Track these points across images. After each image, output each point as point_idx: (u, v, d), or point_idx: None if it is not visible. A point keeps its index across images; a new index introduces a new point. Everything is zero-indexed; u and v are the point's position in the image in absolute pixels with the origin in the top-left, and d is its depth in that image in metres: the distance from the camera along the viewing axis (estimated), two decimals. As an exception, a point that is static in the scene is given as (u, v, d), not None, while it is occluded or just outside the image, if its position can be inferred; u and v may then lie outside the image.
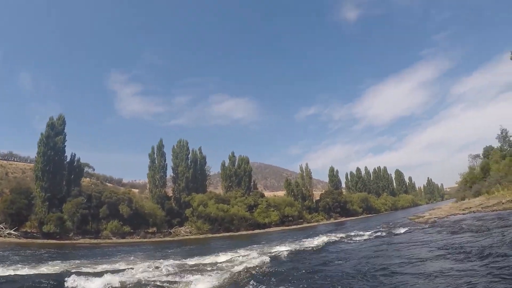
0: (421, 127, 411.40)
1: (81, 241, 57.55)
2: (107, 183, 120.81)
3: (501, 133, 48.62)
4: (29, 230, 58.74)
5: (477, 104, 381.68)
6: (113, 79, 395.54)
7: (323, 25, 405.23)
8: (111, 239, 60.83)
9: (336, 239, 29.49)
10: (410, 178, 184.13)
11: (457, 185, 70.33)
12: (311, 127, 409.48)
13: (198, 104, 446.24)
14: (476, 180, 52.27)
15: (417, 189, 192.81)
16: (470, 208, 32.82)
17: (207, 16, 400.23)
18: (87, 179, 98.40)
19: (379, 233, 31.41)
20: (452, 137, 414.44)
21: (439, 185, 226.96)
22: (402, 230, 30.59)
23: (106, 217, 63.61)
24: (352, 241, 27.35)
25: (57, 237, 56.58)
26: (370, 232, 31.63)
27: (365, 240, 27.92)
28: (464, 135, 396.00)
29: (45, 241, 54.08)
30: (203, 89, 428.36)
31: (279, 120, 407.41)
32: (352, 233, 31.39)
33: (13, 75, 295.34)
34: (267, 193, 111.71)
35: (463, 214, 30.77)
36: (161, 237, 65.59)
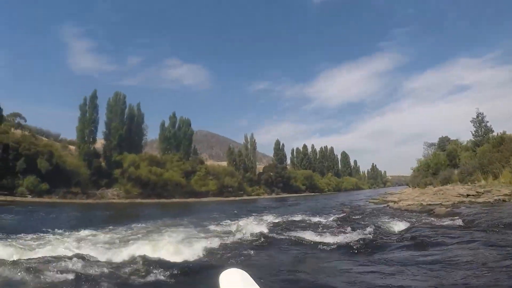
0: (368, 115, 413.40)
1: None
2: (42, 137, 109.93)
3: (477, 116, 43.20)
4: None
5: (426, 101, 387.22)
6: (66, 31, 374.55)
7: (287, 4, 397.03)
8: (26, 197, 52.73)
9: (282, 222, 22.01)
10: (355, 162, 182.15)
11: (411, 172, 65.81)
12: (262, 102, 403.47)
13: (150, 66, 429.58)
14: (442, 167, 47.20)
15: (361, 173, 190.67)
16: (461, 196, 26.10)
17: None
18: (18, 130, 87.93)
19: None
20: (397, 129, 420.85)
21: (382, 172, 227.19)
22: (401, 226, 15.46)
23: (24, 172, 54.67)
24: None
25: None
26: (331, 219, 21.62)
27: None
28: (409, 128, 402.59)
29: None
30: (157, 51, 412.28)
31: (230, 90, 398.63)
32: (301, 217, 24.32)
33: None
34: (212, 163, 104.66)
35: (467, 204, 23.68)
36: (83, 199, 57.72)
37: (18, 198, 50.50)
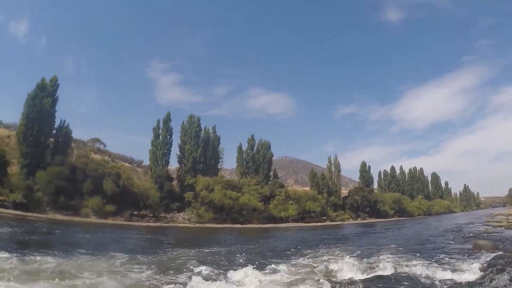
0: (457, 134, 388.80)
1: (50, 216, 45.97)
2: (123, 163, 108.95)
3: None
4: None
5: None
6: (153, 67, 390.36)
7: (366, 26, 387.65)
8: (90, 218, 49.19)
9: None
10: (446, 183, 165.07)
11: (507, 192, 55.26)
12: (347, 126, 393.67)
13: (235, 96, 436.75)
14: None
15: (452, 195, 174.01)
16: None
17: (249, 9, 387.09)
18: (97, 155, 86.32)
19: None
20: (489, 147, 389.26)
21: (475, 193, 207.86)
22: None
23: (90, 193, 51.26)
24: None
25: (28, 208, 45.36)
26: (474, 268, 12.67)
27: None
28: (501, 145, 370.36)
29: (9, 211, 42.77)
30: (242, 81, 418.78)
31: (315, 116, 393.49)
32: (401, 260, 15.64)
33: (57, 59, 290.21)
34: (298, 188, 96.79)
35: None
36: (150, 222, 52.47)
37: (80, 219, 47.32)
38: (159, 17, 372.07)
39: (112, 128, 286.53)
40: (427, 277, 11.96)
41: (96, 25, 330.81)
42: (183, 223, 56.54)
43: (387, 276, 12.31)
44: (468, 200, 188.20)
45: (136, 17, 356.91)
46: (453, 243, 23.49)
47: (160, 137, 64.52)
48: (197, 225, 55.70)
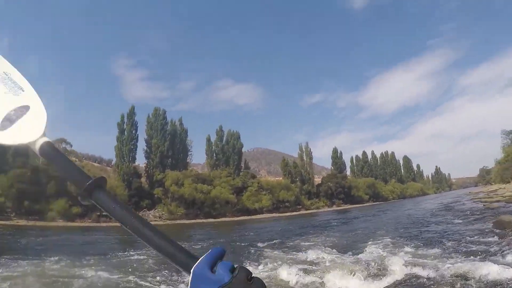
0: (425, 117, 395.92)
1: (14, 222, 43.18)
2: (90, 162, 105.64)
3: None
4: None
5: (482, 96, 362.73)
6: (118, 63, 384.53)
7: (331, 13, 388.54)
8: (56, 221, 46.66)
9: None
10: (418, 166, 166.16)
11: (477, 173, 55.84)
12: (316, 114, 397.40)
13: (203, 89, 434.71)
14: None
15: (424, 177, 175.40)
16: None
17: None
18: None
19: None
20: (457, 128, 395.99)
21: (447, 174, 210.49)
22: None
23: (55, 195, 48.26)
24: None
25: None
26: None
27: None
28: (467, 126, 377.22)
29: None
30: (208, 74, 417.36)
31: (284, 106, 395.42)
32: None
33: (20, 59, 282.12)
34: (271, 179, 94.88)
35: None
36: (116, 222, 49.55)
37: (45, 223, 44.54)
38: (120, 13, 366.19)
39: (80, 128, 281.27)
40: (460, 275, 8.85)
41: (59, 24, 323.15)
42: (154, 221, 54.01)
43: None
44: (440, 182, 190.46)
45: (98, 13, 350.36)
46: (461, 223, 21.66)
47: (125, 132, 61.35)
48: (168, 222, 53.26)
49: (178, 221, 54.09)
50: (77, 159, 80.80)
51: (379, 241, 16.78)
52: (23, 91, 1.16)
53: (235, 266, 0.75)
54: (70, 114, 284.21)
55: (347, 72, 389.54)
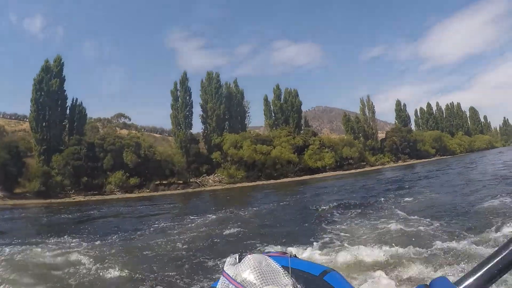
0: (492, 65, 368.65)
1: (70, 199, 43.05)
2: (152, 134, 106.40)
3: None
4: (20, 191, 44.30)
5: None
6: (173, 37, 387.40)
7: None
8: (115, 194, 46.04)
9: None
10: (485, 117, 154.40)
11: None
12: (376, 68, 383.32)
13: (260, 52, 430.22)
14: None
15: (492, 130, 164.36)
16: None
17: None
18: (124, 130, 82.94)
19: None
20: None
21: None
22: None
23: (112, 168, 47.97)
24: None
25: (49, 195, 42.76)
26: None
27: None
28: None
29: (30, 201, 39.85)
30: (264, 36, 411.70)
31: (343, 62, 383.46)
32: None
33: (76, 46, 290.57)
34: (334, 136, 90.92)
35: None
36: (178, 189, 48.21)
37: (102, 197, 44.27)
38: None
39: (143, 104, 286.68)
40: None
41: (109, 5, 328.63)
42: (214, 185, 52.26)
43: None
44: (509, 134, 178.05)
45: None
46: None
47: (180, 99, 59.71)
48: (228, 186, 51.25)
49: (239, 184, 52.27)
50: (137, 131, 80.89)
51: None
52: None
53: None
54: (134, 92, 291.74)
55: (404, 23, 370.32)
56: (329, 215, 15.07)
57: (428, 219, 11.15)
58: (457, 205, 14.08)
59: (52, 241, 13.20)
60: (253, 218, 16.89)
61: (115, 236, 13.93)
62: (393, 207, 14.91)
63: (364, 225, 11.57)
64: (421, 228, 10.18)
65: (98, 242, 12.62)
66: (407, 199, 17.07)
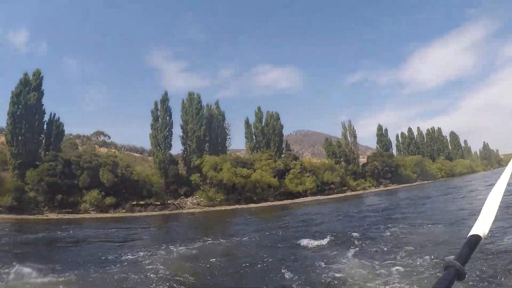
0: (470, 91, 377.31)
1: (44, 216, 41.59)
2: (132, 153, 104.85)
3: None
4: None
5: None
6: (156, 57, 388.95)
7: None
8: (89, 213, 44.51)
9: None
10: (465, 142, 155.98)
11: None
12: (357, 94, 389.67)
13: (242, 75, 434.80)
14: None
15: (472, 154, 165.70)
16: None
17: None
18: (103, 148, 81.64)
19: None
20: (504, 100, 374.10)
21: (495, 150, 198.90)
22: None
23: (88, 187, 46.22)
24: None
25: (21, 211, 41.51)
26: None
27: None
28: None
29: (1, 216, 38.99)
30: (247, 60, 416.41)
31: (324, 87, 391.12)
32: None
33: (58, 62, 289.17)
34: (315, 161, 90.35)
35: None
36: (154, 211, 46.82)
37: (76, 216, 42.99)
38: (151, 6, 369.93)
39: (124, 123, 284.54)
40: None
41: (94, 23, 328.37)
42: (193, 208, 50.96)
43: None
44: (489, 158, 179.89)
45: (130, 10, 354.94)
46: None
47: (160, 119, 58.35)
48: (207, 208, 50.00)
49: (218, 208, 50.97)
50: (116, 150, 79.39)
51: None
52: None
53: None
54: (116, 110, 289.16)
55: (385, 49, 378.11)
56: (318, 251, 14.02)
57: (433, 256, 10.35)
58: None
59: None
60: (235, 250, 15.91)
61: (76, 268, 12.71)
62: (389, 241, 14.07)
63: (361, 267, 10.55)
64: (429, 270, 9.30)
65: (51, 276, 11.33)
66: (402, 230, 16.24)
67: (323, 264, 11.47)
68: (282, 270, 11.39)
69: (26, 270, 11.91)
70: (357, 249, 13.70)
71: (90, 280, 11.20)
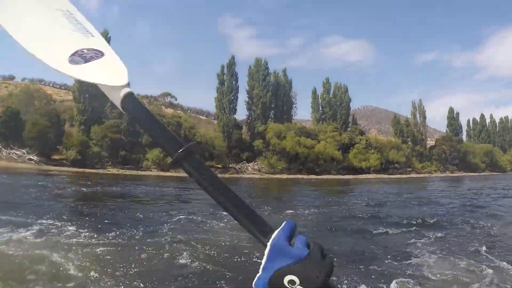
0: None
1: (106, 171, 43.01)
2: (197, 115, 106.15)
3: None
4: (58, 158, 45.01)
5: None
6: (227, 23, 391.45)
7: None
8: (151, 171, 46.17)
9: None
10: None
11: None
12: (429, 73, 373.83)
13: (311, 45, 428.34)
14: None
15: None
16: None
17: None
18: (169, 109, 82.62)
19: None
20: None
21: None
22: None
23: (150, 145, 46.73)
24: None
25: (84, 164, 43.14)
26: None
27: None
28: None
29: (63, 168, 40.29)
30: (317, 30, 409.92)
31: (396, 64, 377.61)
32: None
33: (131, 25, 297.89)
34: (381, 138, 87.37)
35: None
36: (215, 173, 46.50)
37: (137, 172, 44.54)
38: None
39: (192, 86, 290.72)
40: None
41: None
42: (253, 174, 50.30)
43: None
44: None
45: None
46: None
47: (225, 83, 58.22)
48: (267, 175, 49.13)
49: (278, 175, 50.46)
50: (182, 111, 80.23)
51: None
52: (93, 36, 1.01)
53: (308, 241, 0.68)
54: (185, 74, 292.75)
55: (462, 29, 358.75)
56: (390, 239, 12.12)
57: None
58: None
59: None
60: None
61: (123, 227, 11.82)
62: (474, 236, 12.15)
63: (444, 265, 8.76)
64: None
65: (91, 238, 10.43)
66: (488, 224, 14.24)
67: (398, 257, 9.63)
68: (351, 257, 9.79)
69: (71, 228, 11.19)
70: (435, 241, 11.66)
71: (134, 242, 10.07)
